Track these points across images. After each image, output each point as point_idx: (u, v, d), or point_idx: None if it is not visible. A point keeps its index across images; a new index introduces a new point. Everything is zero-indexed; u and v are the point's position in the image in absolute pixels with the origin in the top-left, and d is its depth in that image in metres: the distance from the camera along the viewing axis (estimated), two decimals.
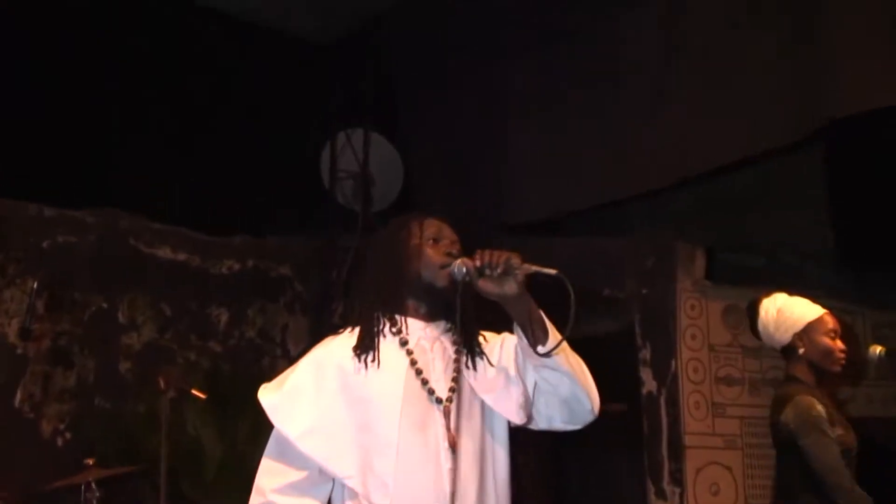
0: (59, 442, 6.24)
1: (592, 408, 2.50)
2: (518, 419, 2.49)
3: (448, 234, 2.59)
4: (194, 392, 4.97)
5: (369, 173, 7.30)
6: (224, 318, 7.02)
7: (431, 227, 2.58)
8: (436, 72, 7.32)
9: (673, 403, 5.74)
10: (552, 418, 2.52)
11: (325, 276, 7.07)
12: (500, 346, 2.59)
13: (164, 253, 6.86)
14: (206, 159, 7.00)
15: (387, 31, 7.48)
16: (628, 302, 6.08)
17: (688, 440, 5.67)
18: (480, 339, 2.59)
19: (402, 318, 2.53)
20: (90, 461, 4.95)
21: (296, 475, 2.44)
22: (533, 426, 2.55)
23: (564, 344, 2.40)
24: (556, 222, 6.96)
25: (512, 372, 2.50)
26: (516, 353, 2.51)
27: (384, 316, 2.52)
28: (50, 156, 6.43)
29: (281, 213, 7.20)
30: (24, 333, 5.42)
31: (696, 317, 5.91)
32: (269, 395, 2.47)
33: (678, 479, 5.63)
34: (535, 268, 2.35)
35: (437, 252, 2.52)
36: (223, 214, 6.98)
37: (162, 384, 4.58)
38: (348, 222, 7.22)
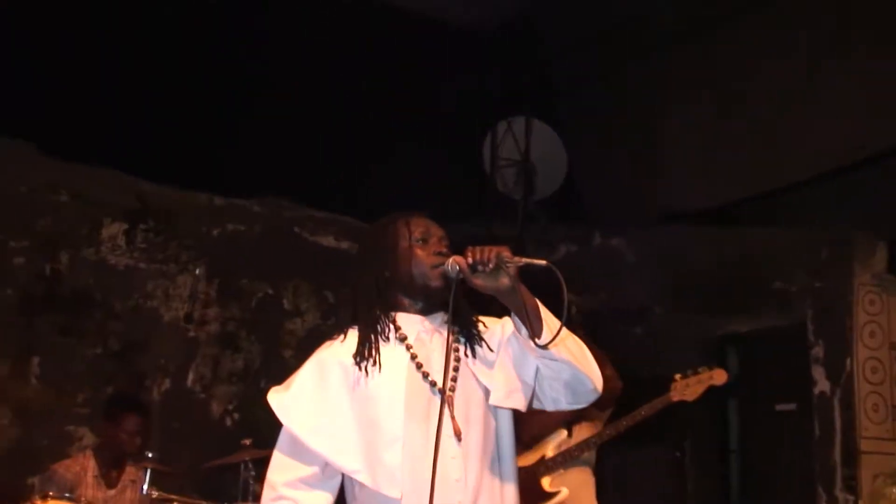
0: (228, 422, 6.48)
1: (595, 387, 2.51)
2: (519, 405, 2.54)
3: (435, 231, 2.65)
4: None
5: (531, 161, 7.26)
6: None
7: (418, 226, 2.63)
8: (594, 59, 7.23)
9: (847, 405, 5.50)
10: (557, 400, 2.54)
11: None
12: (501, 332, 2.61)
13: (328, 241, 6.97)
14: (367, 148, 7.09)
15: (545, 18, 7.41)
16: (800, 296, 5.87)
17: (864, 445, 5.43)
18: (480, 325, 2.64)
19: (399, 316, 2.60)
20: (247, 441, 5.13)
21: (305, 470, 2.52)
22: (538, 407, 2.58)
23: (563, 332, 2.40)
24: (724, 212, 6.83)
25: (511, 358, 2.54)
26: (515, 337, 2.54)
27: (381, 317, 2.58)
28: (217, 146, 6.64)
29: (441, 203, 7.08)
30: (188, 318, 5.72)
31: (876, 313, 5.64)
32: (277, 396, 2.57)
33: (852, 486, 5.38)
34: (525, 260, 2.38)
35: (427, 252, 2.57)
36: (386, 204, 6.99)
37: None
38: (508, 211, 7.21)
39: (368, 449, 2.47)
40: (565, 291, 2.28)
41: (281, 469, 2.53)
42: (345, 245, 6.99)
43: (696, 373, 4.50)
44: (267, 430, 5.89)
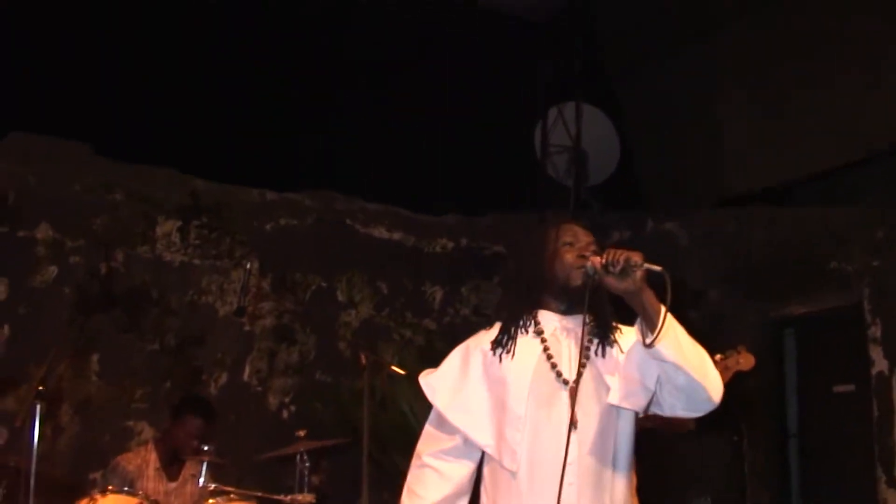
0: (285, 414, 6.58)
1: (710, 397, 2.63)
2: (636, 406, 2.70)
3: (583, 237, 2.83)
4: (393, 368, 5.11)
5: (581, 147, 7.22)
6: (439, 295, 7.16)
7: (567, 231, 2.83)
8: (648, 43, 7.16)
9: None
10: (674, 406, 2.68)
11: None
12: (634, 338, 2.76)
13: (380, 232, 7.08)
14: (419, 138, 7.10)
15: (599, 3, 7.38)
16: (857, 275, 5.78)
17: None
18: (616, 331, 2.82)
19: (541, 313, 2.84)
20: (301, 433, 5.15)
21: (448, 442, 2.84)
22: (658, 411, 2.73)
23: (679, 336, 2.58)
24: (781, 193, 6.78)
25: (636, 361, 2.68)
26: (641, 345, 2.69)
27: (523, 312, 2.84)
28: (268, 141, 6.74)
29: (494, 192, 7.22)
30: (240, 312, 5.80)
31: None
32: (426, 377, 2.92)
33: None
34: (646, 265, 2.55)
35: (572, 255, 2.78)
36: (436, 194, 7.13)
37: (363, 360, 4.72)
38: (561, 198, 7.18)
39: (498, 426, 2.76)
40: (669, 296, 2.47)
41: (427, 441, 2.87)
42: (397, 236, 7.13)
43: (724, 357, 4.39)
44: (322, 421, 6.06)
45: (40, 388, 4.48)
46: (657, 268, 2.53)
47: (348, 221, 7.02)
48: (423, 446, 2.86)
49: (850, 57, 5.98)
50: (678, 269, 6.37)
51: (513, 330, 2.80)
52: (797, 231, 6.24)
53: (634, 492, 2.82)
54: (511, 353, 2.77)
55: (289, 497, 4.94)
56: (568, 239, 2.79)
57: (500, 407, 2.75)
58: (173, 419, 5.39)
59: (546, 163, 7.30)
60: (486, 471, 2.81)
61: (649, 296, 2.56)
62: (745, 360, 4.39)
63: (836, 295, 5.92)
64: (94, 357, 6.10)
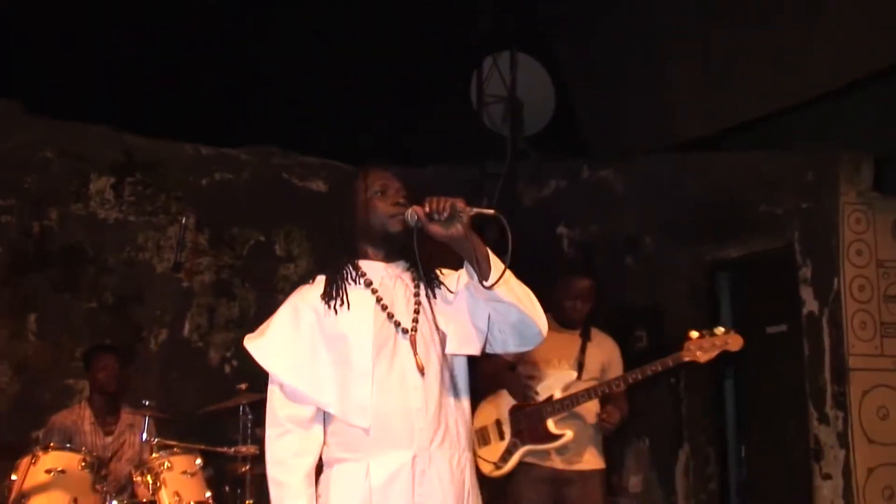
0: (227, 369, 6.60)
1: (540, 330, 2.76)
2: (472, 351, 2.79)
3: (392, 183, 2.84)
4: None
5: (517, 96, 7.24)
6: None
7: (377, 179, 2.83)
8: None
9: (836, 324, 5.52)
10: (506, 342, 2.80)
11: (474, 203, 7.11)
12: (457, 281, 2.84)
13: (317, 186, 7.07)
14: (355, 90, 7.04)
15: None
16: (787, 218, 5.86)
17: (852, 362, 5.46)
18: (438, 273, 2.87)
19: (364, 263, 2.81)
20: (243, 386, 5.25)
21: (305, 411, 2.73)
22: (489, 350, 2.83)
23: (509, 276, 2.65)
24: (716, 140, 6.82)
25: (466, 306, 2.79)
26: (468, 288, 2.78)
27: (346, 263, 2.80)
28: (201, 96, 6.69)
29: (432, 144, 7.18)
30: (177, 267, 5.82)
31: (862, 231, 5.64)
32: (255, 341, 2.83)
33: (842, 403, 5.44)
34: (476, 210, 2.60)
35: (385, 203, 2.79)
36: (374, 147, 7.02)
37: None
38: (499, 149, 7.21)
39: (341, 384, 2.71)
40: (510, 237, 2.51)
41: (282, 406, 2.74)
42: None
43: (712, 334, 4.49)
44: (264, 375, 6.10)
45: None
46: (489, 211, 2.60)
47: (285, 175, 7.01)
48: (280, 410, 2.73)
49: (784, 3, 6.06)
50: (614, 216, 6.82)
51: (339, 281, 2.76)
52: (729, 176, 6.29)
53: (471, 427, 2.85)
54: (346, 305, 2.72)
55: (232, 449, 5.06)
56: (377, 188, 2.80)
57: (342, 364, 2.70)
58: (87, 369, 5.53)
59: (482, 113, 7.30)
60: (329, 429, 2.75)
61: (476, 240, 2.64)
62: (734, 341, 4.47)
63: (768, 238, 5.99)
64: (32, 317, 6.08)
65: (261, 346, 2.80)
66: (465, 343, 2.78)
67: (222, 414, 5.44)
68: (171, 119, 6.58)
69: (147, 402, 5.16)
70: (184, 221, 5.39)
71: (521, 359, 4.72)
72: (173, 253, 6.37)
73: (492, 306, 2.71)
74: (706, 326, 4.64)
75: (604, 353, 4.91)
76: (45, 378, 6.07)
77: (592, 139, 7.58)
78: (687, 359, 4.50)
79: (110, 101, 6.45)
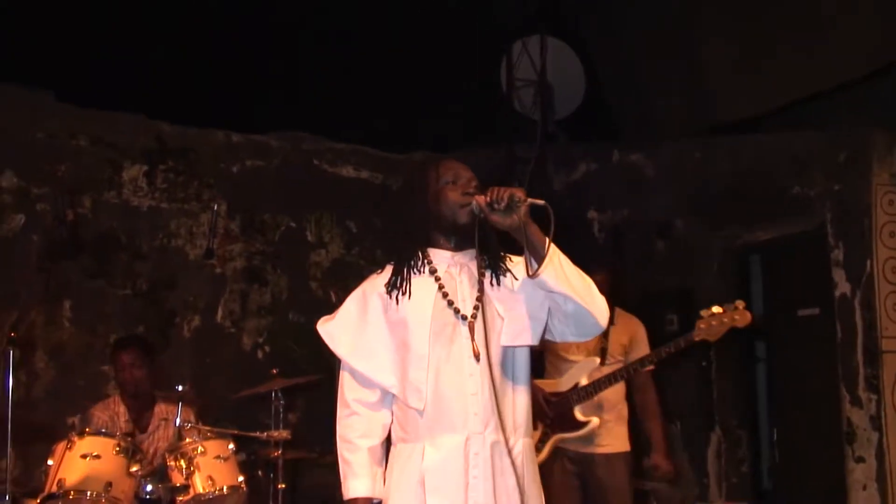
0: (259, 354, 6.67)
1: (597, 321, 2.80)
2: (528, 341, 2.84)
3: (464, 173, 2.90)
4: None
5: (547, 80, 7.23)
6: None
7: (448, 169, 2.90)
8: None
9: (868, 306, 5.49)
10: (564, 332, 2.85)
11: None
12: (524, 269, 2.87)
13: (347, 171, 7.11)
14: (384, 76, 7.02)
15: None
16: (819, 200, 5.83)
17: (885, 345, 5.44)
18: (507, 261, 2.91)
19: (432, 251, 2.90)
20: (274, 371, 5.29)
21: (371, 396, 2.87)
22: (549, 338, 2.89)
23: (564, 265, 2.74)
24: (751, 124, 6.76)
25: (525, 296, 2.85)
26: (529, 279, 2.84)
27: (413, 252, 2.88)
28: (231, 83, 6.69)
29: (461, 128, 7.21)
30: (209, 254, 5.84)
31: (895, 213, 5.61)
32: (325, 325, 2.95)
33: (874, 385, 5.42)
34: (531, 200, 2.67)
35: (456, 193, 2.85)
36: (403, 131, 7.09)
37: (334, 299, 4.79)
38: (529, 132, 7.20)
39: (401, 367, 2.83)
40: (553, 225, 2.60)
41: (349, 389, 2.89)
42: (364, 175, 7.15)
43: (722, 311, 4.50)
44: (297, 360, 6.11)
45: (12, 334, 4.53)
46: (540, 202, 2.65)
47: (315, 161, 7.04)
48: (348, 393, 2.88)
49: None
50: (645, 199, 6.81)
51: (405, 271, 2.84)
52: (760, 158, 6.26)
53: (530, 413, 2.91)
54: (407, 293, 2.82)
55: (265, 434, 5.09)
56: (449, 177, 2.86)
57: (403, 348, 2.82)
58: (112, 364, 5.43)
59: (512, 97, 7.30)
60: (394, 409, 2.87)
61: (534, 229, 2.70)
62: (742, 317, 4.46)
63: (800, 220, 5.96)
64: (66, 304, 6.15)
65: (330, 330, 2.92)
66: (518, 334, 2.83)
67: (255, 399, 5.46)
68: (201, 106, 6.60)
69: (181, 387, 5.10)
70: (215, 208, 5.46)
71: (547, 346, 4.74)
72: (205, 239, 6.50)
73: (548, 295, 2.77)
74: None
75: (626, 333, 4.94)
76: (79, 364, 6.13)
77: (623, 122, 7.55)
78: (699, 338, 4.52)
79: (141, 88, 6.48)
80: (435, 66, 7.09)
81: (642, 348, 4.92)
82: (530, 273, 2.69)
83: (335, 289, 5.17)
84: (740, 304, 4.50)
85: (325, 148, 7.09)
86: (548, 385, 4.87)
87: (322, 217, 6.97)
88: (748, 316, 4.48)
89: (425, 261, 2.85)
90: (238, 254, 6.71)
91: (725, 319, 4.48)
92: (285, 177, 6.92)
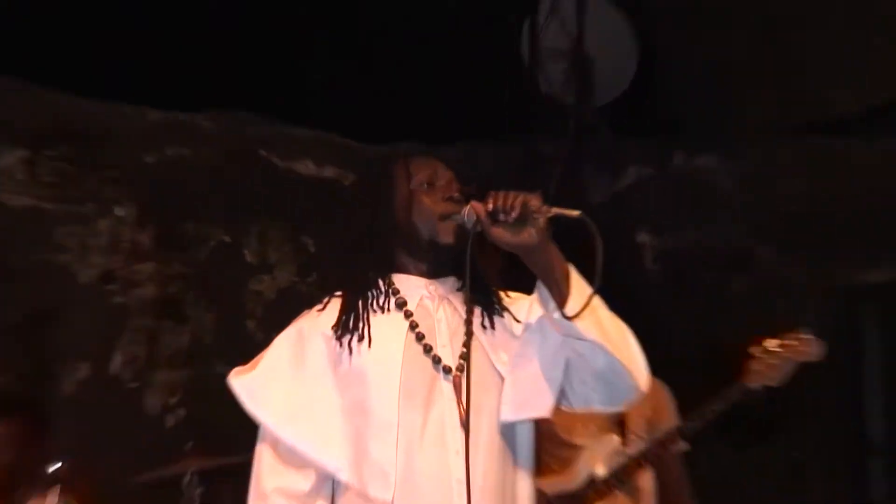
0: (171, 421, 6.32)
1: (636, 384, 2.62)
2: (537, 413, 2.69)
3: (443, 173, 2.80)
4: None
5: (586, 52, 7.04)
6: None
7: (422, 168, 2.80)
8: None
9: None
10: (589, 398, 2.67)
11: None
12: (528, 310, 2.72)
13: (306, 167, 6.86)
14: (359, 39, 7.09)
15: None
16: None
17: None
18: (502, 296, 2.80)
19: (397, 278, 2.78)
20: (190, 445, 5.09)
21: (301, 482, 2.71)
22: (565, 406, 2.70)
23: (597, 305, 2.55)
24: (859, 122, 6.73)
25: (535, 349, 2.68)
26: (540, 325, 2.66)
27: (375, 280, 2.76)
28: (151, 43, 6.61)
29: (463, 113, 7.03)
30: (109, 277, 5.58)
31: None
32: (241, 377, 2.75)
33: None
34: (555, 210, 2.51)
35: (435, 199, 2.76)
36: (385, 116, 6.90)
37: None
38: (558, 121, 7.08)
39: (356, 440, 2.66)
40: (600, 252, 2.41)
41: (271, 473, 2.71)
42: (329, 172, 6.91)
43: (781, 344, 4.41)
44: (223, 430, 5.83)
45: None
46: (573, 212, 2.48)
47: (262, 152, 6.74)
48: (267, 479, 2.69)
49: None
50: (716, 218, 6.31)
51: (361, 306, 2.71)
52: (878, 170, 6.24)
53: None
54: (365, 338, 2.68)
55: None
56: (423, 178, 2.78)
57: (358, 413, 2.65)
58: None
59: (537, 73, 7.13)
60: None
61: (554, 252, 2.56)
62: (809, 348, 4.37)
63: None
64: None
65: (249, 384, 2.73)
66: (526, 401, 2.67)
67: (163, 485, 5.13)
68: (108, 72, 6.44)
69: (56, 466, 4.65)
70: (123, 214, 5.28)
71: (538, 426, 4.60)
72: (103, 256, 6.19)
73: (571, 346, 2.58)
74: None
75: (648, 400, 4.57)
76: None
77: (688, 114, 7.38)
78: (754, 383, 4.43)
79: (23, 45, 6.30)
80: (432, 28, 7.11)
81: (669, 418, 4.75)
82: (564, 314, 2.50)
83: (281, 330, 4.99)
84: (804, 330, 4.44)
85: (276, 134, 6.80)
86: (549, 484, 4.60)
87: (268, 230, 6.67)
88: (814, 345, 4.36)
89: (390, 291, 2.76)
90: (148, 277, 6.33)
91: (789, 353, 4.38)
92: (219, 172, 6.59)
